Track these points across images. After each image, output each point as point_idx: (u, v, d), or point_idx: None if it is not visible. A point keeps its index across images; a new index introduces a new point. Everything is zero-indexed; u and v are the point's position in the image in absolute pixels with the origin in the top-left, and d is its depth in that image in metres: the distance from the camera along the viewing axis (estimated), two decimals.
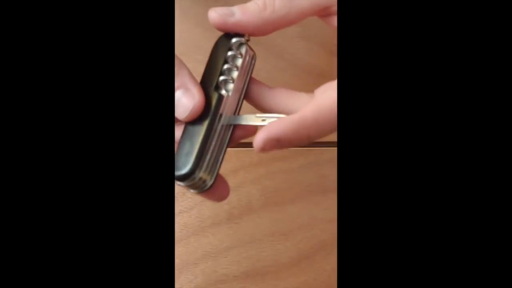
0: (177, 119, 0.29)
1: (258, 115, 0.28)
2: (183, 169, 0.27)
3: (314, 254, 0.45)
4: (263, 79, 0.48)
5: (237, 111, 0.29)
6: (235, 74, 0.28)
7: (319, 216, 0.46)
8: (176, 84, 0.27)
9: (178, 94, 0.27)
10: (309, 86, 0.47)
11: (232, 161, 0.45)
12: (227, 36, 0.29)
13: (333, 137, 0.31)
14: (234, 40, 0.29)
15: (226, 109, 0.28)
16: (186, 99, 0.27)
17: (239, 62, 0.29)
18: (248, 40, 0.29)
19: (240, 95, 0.29)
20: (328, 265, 0.45)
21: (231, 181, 0.45)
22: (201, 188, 0.28)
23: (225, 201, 0.46)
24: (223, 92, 0.28)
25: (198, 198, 0.46)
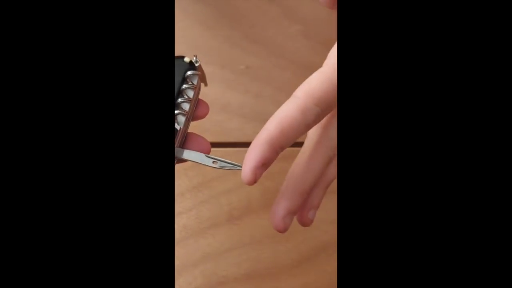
0: None
1: (208, 155, 0.29)
2: None
3: (315, 256, 0.45)
4: (263, 78, 0.48)
5: (183, 140, 0.29)
6: (187, 106, 0.29)
7: (320, 217, 0.45)
8: None
9: None
10: None
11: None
12: (180, 63, 0.29)
13: None
14: (189, 72, 0.29)
15: (176, 141, 0.29)
16: None
17: (191, 94, 0.29)
18: (197, 62, 0.30)
19: (188, 125, 0.30)
20: (329, 267, 0.44)
21: (231, 181, 0.45)
22: None
23: (225, 202, 0.46)
24: (176, 125, 0.29)
25: (198, 199, 0.46)
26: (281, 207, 0.30)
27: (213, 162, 0.29)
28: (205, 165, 0.29)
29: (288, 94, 0.47)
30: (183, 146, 0.29)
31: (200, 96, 0.32)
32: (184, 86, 0.29)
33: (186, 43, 0.46)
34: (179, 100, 0.29)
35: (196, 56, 0.30)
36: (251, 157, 0.27)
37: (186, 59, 0.29)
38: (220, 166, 0.28)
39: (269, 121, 0.28)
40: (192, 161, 0.29)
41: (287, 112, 0.28)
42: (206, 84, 0.31)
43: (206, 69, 0.46)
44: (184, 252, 0.44)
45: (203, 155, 0.29)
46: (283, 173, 0.45)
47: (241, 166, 0.28)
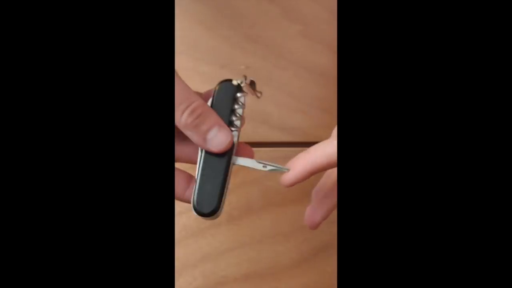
0: (178, 131, 0.31)
1: (259, 160, 0.33)
2: (209, 208, 0.32)
3: (315, 256, 0.44)
4: (263, 78, 0.48)
5: (236, 150, 0.34)
6: (239, 123, 0.33)
7: None
8: (211, 122, 0.32)
9: (215, 131, 0.32)
10: (310, 84, 0.47)
11: None
12: (229, 85, 0.33)
13: None
14: (238, 94, 0.33)
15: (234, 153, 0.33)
16: (222, 134, 0.32)
17: (241, 111, 0.33)
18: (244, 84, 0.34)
19: (239, 137, 0.34)
20: (329, 267, 0.44)
21: (231, 181, 0.45)
22: (213, 218, 0.33)
23: (225, 202, 0.46)
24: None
25: None
26: (320, 215, 0.35)
27: (263, 166, 0.33)
28: (256, 169, 0.33)
29: (288, 94, 0.47)
30: (236, 154, 0.34)
31: None
32: (235, 106, 0.33)
33: (186, 43, 0.46)
34: (233, 118, 0.33)
35: (245, 77, 0.34)
36: (296, 173, 0.32)
37: (234, 82, 0.33)
38: (269, 170, 0.33)
39: (316, 150, 0.32)
40: (245, 166, 0.33)
41: (333, 155, 0.31)
42: (260, 94, 0.35)
43: (206, 69, 0.46)
44: (184, 252, 0.44)
45: (254, 161, 0.33)
46: (283, 173, 0.45)
47: (288, 169, 0.32)
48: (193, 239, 0.44)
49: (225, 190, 0.33)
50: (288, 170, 0.32)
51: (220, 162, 0.32)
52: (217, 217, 0.33)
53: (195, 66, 0.46)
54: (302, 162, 0.32)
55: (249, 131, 0.45)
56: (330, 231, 0.45)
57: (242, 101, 0.33)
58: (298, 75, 0.47)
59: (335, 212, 0.45)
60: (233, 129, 0.33)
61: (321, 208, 0.35)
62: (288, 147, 0.45)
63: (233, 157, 0.33)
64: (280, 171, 0.32)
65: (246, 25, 0.48)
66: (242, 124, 0.34)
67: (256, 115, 0.46)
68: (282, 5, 0.48)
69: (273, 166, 0.33)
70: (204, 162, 0.32)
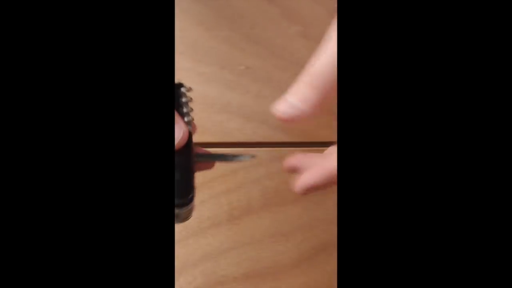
0: None
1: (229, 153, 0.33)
2: (184, 197, 0.31)
3: (315, 255, 0.45)
4: (263, 78, 0.48)
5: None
6: (189, 117, 0.34)
7: (320, 217, 0.46)
8: None
9: None
10: None
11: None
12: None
13: (333, 137, 0.31)
14: (182, 89, 0.34)
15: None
16: (175, 130, 0.31)
17: (189, 104, 0.34)
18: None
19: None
20: (329, 266, 0.44)
21: (231, 181, 0.45)
22: (186, 218, 0.33)
23: (225, 202, 0.46)
24: (189, 128, 0.33)
25: (197, 199, 0.46)
26: (313, 180, 0.32)
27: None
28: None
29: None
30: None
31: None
32: (184, 99, 0.33)
33: (186, 43, 0.46)
34: (185, 110, 0.33)
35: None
36: (310, 182, 0.31)
37: (176, 82, 0.34)
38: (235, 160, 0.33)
39: (322, 164, 0.31)
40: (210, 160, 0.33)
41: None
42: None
43: (206, 70, 0.46)
44: (184, 251, 0.44)
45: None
46: (282, 173, 0.45)
47: (253, 155, 0.31)
48: (193, 239, 0.44)
49: (194, 183, 0.32)
50: (253, 156, 0.32)
51: (186, 153, 0.32)
52: (185, 217, 0.32)
53: (195, 67, 0.46)
54: (322, 167, 0.31)
55: (249, 131, 0.45)
56: (329, 231, 0.45)
57: (188, 95, 0.34)
58: (298, 75, 0.47)
59: (335, 212, 0.45)
60: (187, 119, 0.33)
61: (316, 173, 0.32)
62: (288, 147, 0.46)
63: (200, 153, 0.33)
64: (244, 160, 0.32)
65: (246, 26, 0.48)
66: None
67: (256, 115, 0.46)
68: (282, 6, 0.48)
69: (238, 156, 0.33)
70: None
